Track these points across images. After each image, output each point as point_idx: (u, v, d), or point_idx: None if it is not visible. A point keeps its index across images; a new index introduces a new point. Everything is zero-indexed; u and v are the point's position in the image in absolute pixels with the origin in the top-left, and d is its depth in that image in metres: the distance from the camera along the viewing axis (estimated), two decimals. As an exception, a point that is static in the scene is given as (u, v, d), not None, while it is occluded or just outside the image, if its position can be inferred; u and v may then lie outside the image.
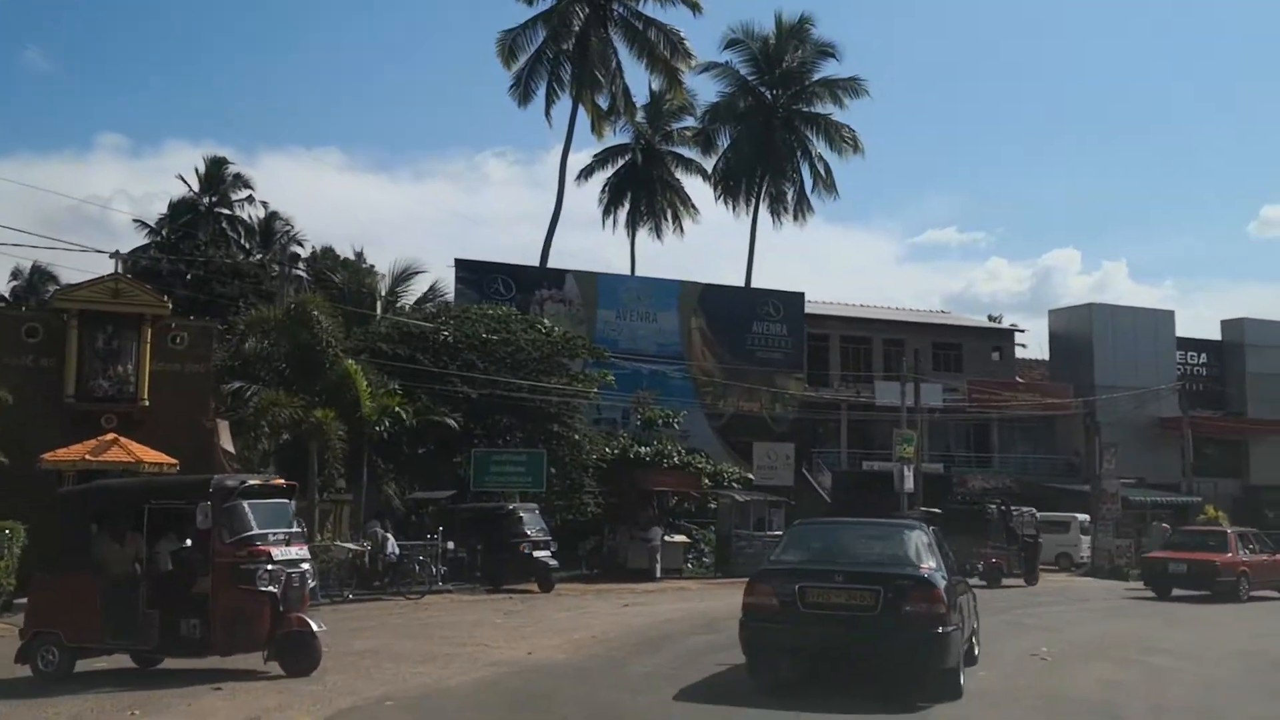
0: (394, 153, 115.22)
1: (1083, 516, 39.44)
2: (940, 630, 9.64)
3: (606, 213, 47.88)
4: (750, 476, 34.18)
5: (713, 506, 32.19)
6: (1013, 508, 30.52)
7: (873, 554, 10.62)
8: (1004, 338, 51.99)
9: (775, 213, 44.74)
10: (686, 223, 47.61)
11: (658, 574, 27.66)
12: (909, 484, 36.34)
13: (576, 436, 30.08)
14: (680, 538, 29.82)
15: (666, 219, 47.82)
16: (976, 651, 11.99)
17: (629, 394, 35.37)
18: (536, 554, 23.76)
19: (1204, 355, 51.95)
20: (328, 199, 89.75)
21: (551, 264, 40.07)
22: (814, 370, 43.71)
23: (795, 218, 45.02)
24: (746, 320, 40.49)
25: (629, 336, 37.53)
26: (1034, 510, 32.12)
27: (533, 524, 24.51)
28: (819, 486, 40.49)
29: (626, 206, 47.66)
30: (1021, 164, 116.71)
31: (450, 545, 23.87)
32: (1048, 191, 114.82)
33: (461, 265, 36.93)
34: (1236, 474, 49.64)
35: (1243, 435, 50.06)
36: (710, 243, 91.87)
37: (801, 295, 41.77)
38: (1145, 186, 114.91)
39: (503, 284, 36.61)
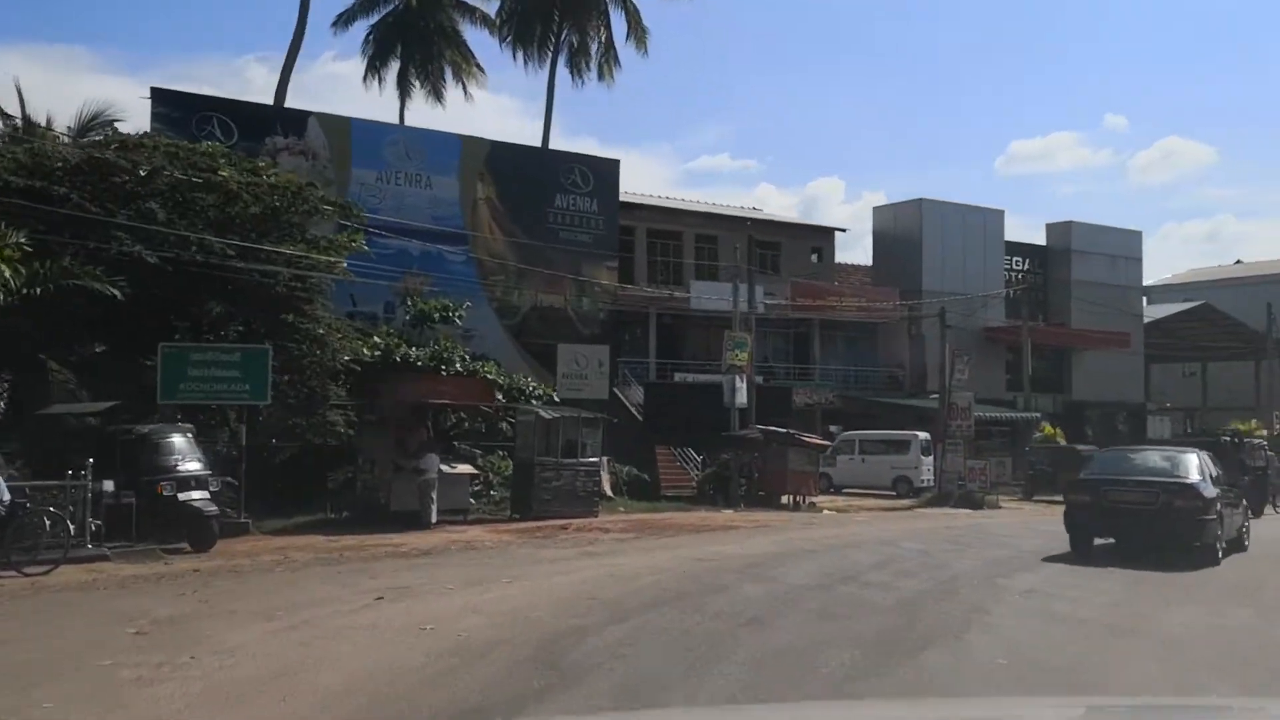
0: (148, 53, 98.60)
1: (923, 435, 34.35)
2: (1200, 519, 14.51)
3: (371, 70, 38.56)
4: (553, 391, 26.70)
5: (508, 427, 24.60)
6: (1243, 439, 30.08)
7: (1156, 469, 15.74)
8: (823, 238, 46.40)
9: (576, 68, 36.60)
10: (473, 88, 38.99)
11: (433, 518, 20.01)
12: (741, 398, 29.90)
13: (320, 330, 21.59)
14: (465, 468, 22.10)
15: (445, 79, 38.95)
16: (1246, 543, 16.86)
17: (396, 279, 27.04)
18: (185, 497, 15.75)
19: (1027, 261, 48.22)
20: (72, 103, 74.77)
21: (291, 105, 30.67)
22: (620, 266, 36.31)
23: (601, 75, 37.08)
24: (547, 191, 32.37)
25: (395, 204, 28.68)
26: (1265, 441, 31.34)
27: (182, 453, 16.43)
28: (628, 401, 33.55)
29: (397, 63, 38.47)
30: (789, 93, 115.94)
31: (109, 486, 15.46)
32: (813, 121, 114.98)
33: (161, 98, 27.03)
34: (1058, 389, 46.38)
35: (1071, 347, 46.74)
36: (500, 122, 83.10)
37: (616, 163, 34.01)
38: (903, 119, 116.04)
39: (219, 126, 26.97)
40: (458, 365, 24.69)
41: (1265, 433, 43.73)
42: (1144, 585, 12.56)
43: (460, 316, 26.19)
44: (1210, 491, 14.89)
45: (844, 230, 46.98)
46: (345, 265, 22.59)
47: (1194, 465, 15.39)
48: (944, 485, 31.42)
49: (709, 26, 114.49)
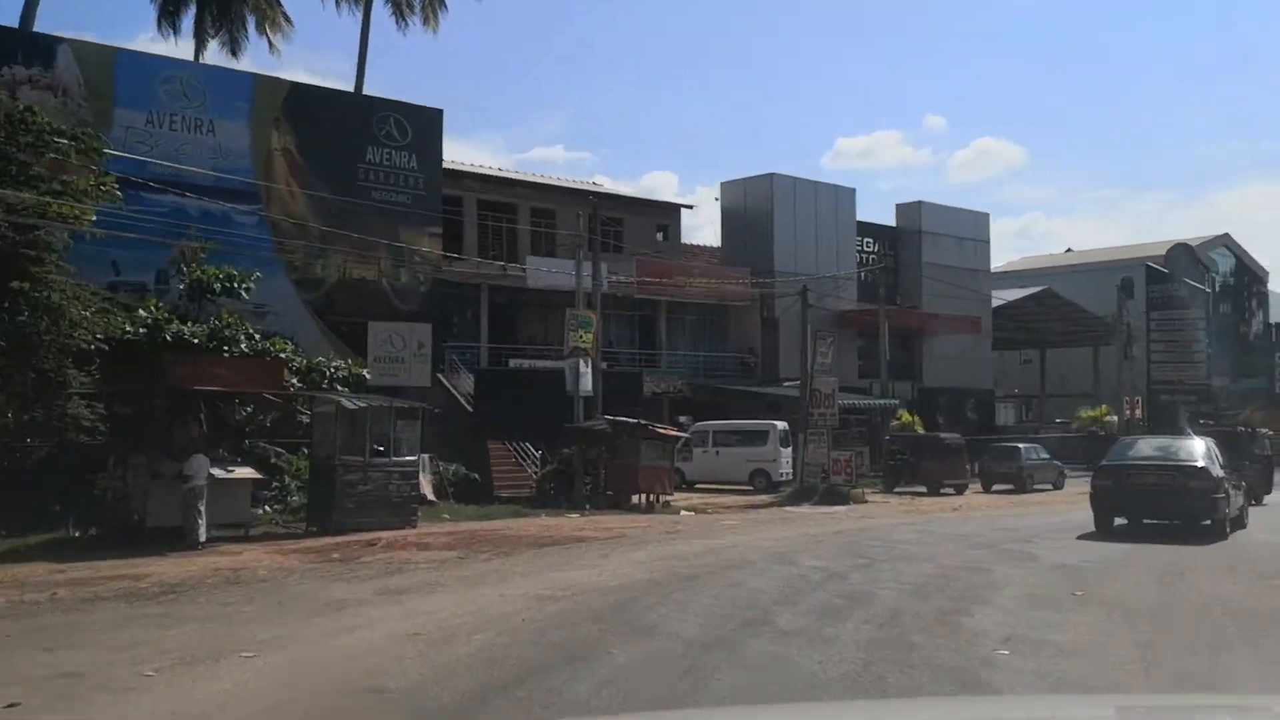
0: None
1: (781, 424, 31.62)
2: (1212, 498, 16.31)
3: (164, 18, 33.00)
4: (365, 374, 22.53)
5: (307, 419, 20.30)
6: (1255, 430, 31.32)
7: (1170, 454, 17.61)
8: (669, 216, 43.26)
9: (399, 9, 32.01)
10: (280, 41, 33.84)
11: (201, 535, 15.78)
12: (586, 384, 26.34)
13: (55, 298, 16.85)
14: (246, 471, 17.74)
15: (246, 30, 33.75)
16: (1246, 521, 18.48)
17: (170, 243, 22.31)
18: None
19: (878, 244, 46.28)
20: None
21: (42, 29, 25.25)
22: (446, 241, 32.03)
23: (425, 19, 32.58)
24: (358, 143, 27.66)
25: (169, 153, 23.51)
26: (1268, 431, 32.84)
27: None
28: (456, 391, 29.54)
29: (192, 11, 33.08)
30: (624, 85, 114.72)
31: None
32: (647, 114, 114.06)
33: None
34: (910, 375, 44.60)
35: (923, 332, 45.01)
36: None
37: (439, 113, 29.45)
38: (735, 115, 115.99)
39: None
40: (243, 345, 20.24)
41: (1115, 418, 43.13)
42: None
43: (248, 288, 21.67)
44: (1219, 474, 16.85)
45: (690, 207, 44.32)
46: (93, 219, 17.88)
47: (1203, 451, 17.45)
48: (806, 479, 28.67)
49: (541, 17, 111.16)
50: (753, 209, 42.15)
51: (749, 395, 37.63)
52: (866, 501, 27.25)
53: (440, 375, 28.76)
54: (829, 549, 13.78)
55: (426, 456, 22.17)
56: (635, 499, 23.99)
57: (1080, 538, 15.95)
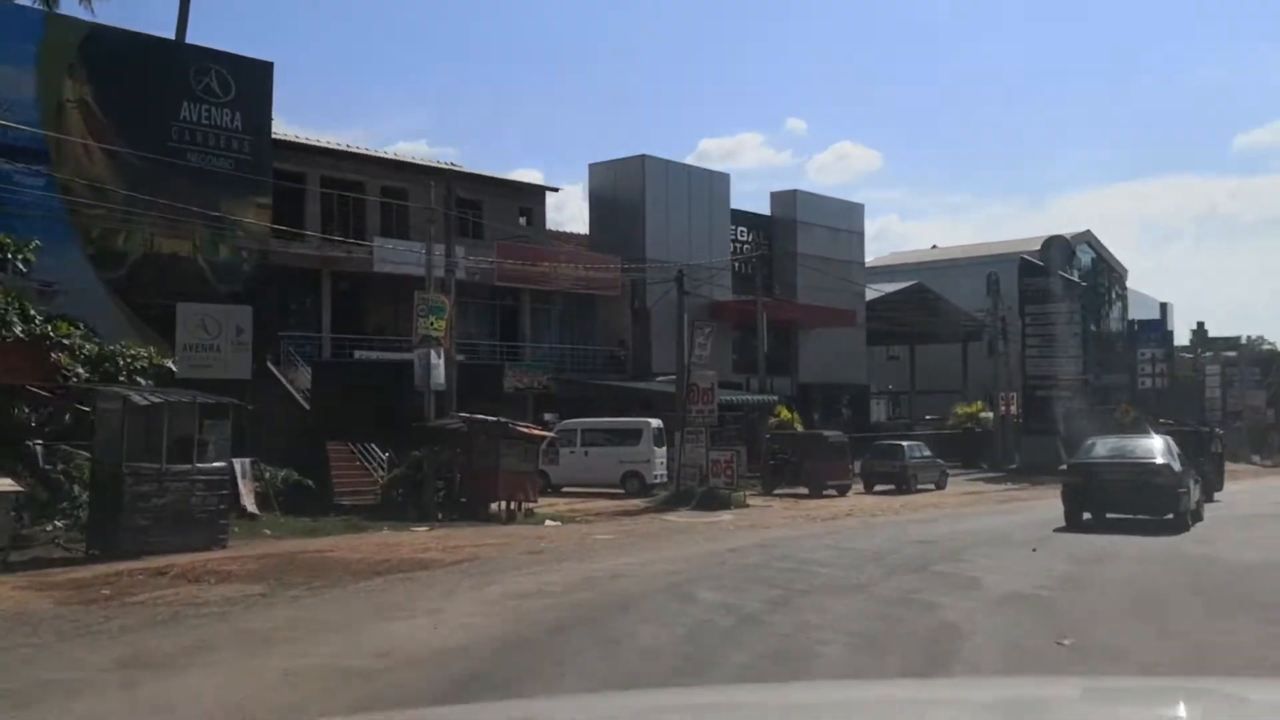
0: None
1: (656, 422, 29.22)
2: (1174, 492, 17.52)
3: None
4: (171, 364, 19.09)
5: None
6: (1214, 429, 33.98)
7: (1135, 452, 18.88)
8: (533, 199, 40.41)
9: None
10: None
11: (-65, 568, 12.33)
12: (439, 378, 23.40)
13: None
14: (6, 484, 14.27)
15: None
16: (1203, 514, 19.44)
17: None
18: None
19: (752, 233, 44.37)
20: None
21: None
22: (284, 221, 28.40)
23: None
24: (172, 98, 23.82)
25: (-72, 98, 19.53)
26: (1221, 431, 36.06)
27: None
28: (293, 387, 26.11)
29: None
30: (487, 81, 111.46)
31: None
32: (511, 111, 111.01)
33: None
34: (787, 370, 42.84)
35: (799, 325, 43.29)
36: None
37: (268, 66, 25.72)
38: (599, 114, 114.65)
39: None
40: (17, 329, 16.66)
41: (990, 414, 42.23)
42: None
43: (26, 259, 17.96)
44: (1179, 469, 18.20)
45: (556, 190, 41.46)
46: None
47: (1164, 449, 18.77)
48: (683, 481, 26.29)
49: (409, 12, 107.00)
50: (623, 193, 39.70)
51: (620, 391, 35.19)
52: (748, 505, 25.04)
53: (273, 368, 25.32)
54: (732, 576, 11.26)
55: (248, 461, 18.94)
56: (494, 507, 21.16)
57: (1007, 548, 14.46)
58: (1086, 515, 17.77)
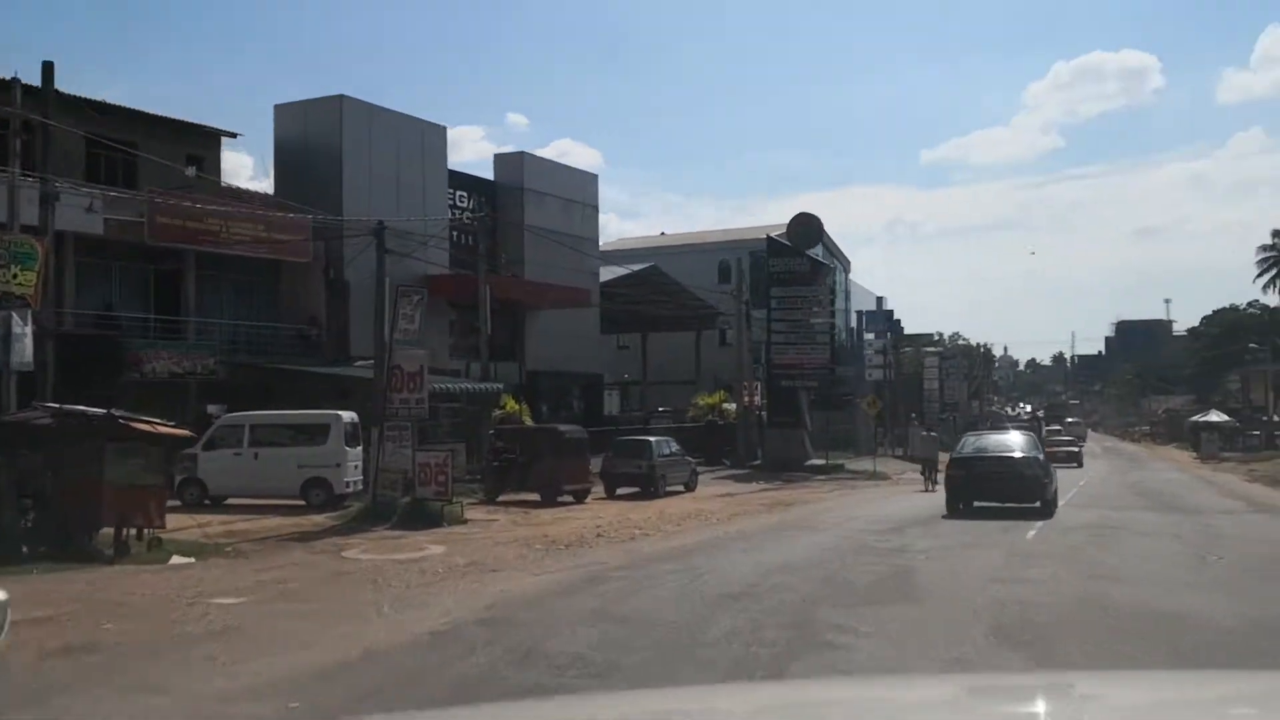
0: None
1: (348, 416, 23.24)
2: (1042, 481, 19.75)
3: None
4: None
5: None
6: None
7: (1007, 446, 21.22)
8: (205, 145, 32.90)
9: None
10: None
11: None
12: (24, 353, 16.49)
13: None
14: None
15: None
16: (1060, 502, 21.03)
17: None
18: None
19: (473, 199, 38.78)
20: None
21: None
22: None
23: None
24: None
25: None
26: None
27: None
28: None
29: None
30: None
31: None
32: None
33: None
34: (513, 356, 37.55)
35: (527, 306, 38.06)
36: None
37: None
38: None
39: None
40: None
41: (734, 405, 38.74)
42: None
43: None
44: (1044, 460, 21.08)
45: (234, 135, 34.05)
46: None
47: (1031, 443, 21.99)
48: (381, 491, 20.48)
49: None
50: (317, 141, 33.16)
51: (312, 378, 28.83)
52: (466, 521, 19.61)
53: None
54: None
55: None
56: (93, 537, 14.61)
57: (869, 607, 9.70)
58: (981, 503, 19.63)
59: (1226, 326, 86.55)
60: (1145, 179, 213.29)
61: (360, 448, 22.66)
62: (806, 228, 38.54)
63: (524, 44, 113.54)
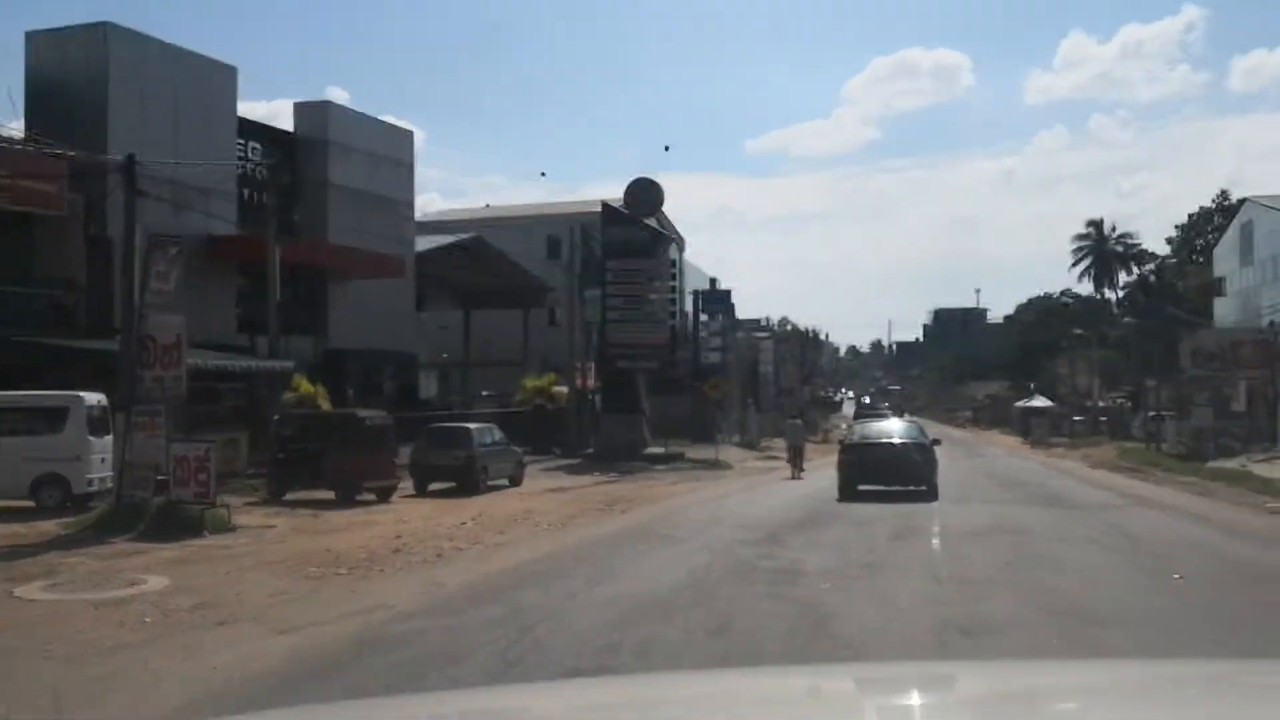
0: None
1: (94, 398, 19.11)
2: (930, 466, 20.84)
3: None
4: None
5: None
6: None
7: (895, 433, 22.55)
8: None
9: None
10: None
11: None
12: None
13: None
14: None
15: None
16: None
17: None
18: None
19: (268, 151, 34.09)
20: None
21: None
22: None
23: None
24: None
25: None
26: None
27: None
28: None
29: None
30: None
31: None
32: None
33: None
34: (312, 330, 33.19)
35: (330, 273, 33.72)
36: None
37: None
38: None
39: None
40: None
41: (565, 389, 35.52)
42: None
43: None
44: (930, 446, 21.85)
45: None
46: None
47: (918, 430, 23.46)
48: (128, 490, 16.41)
49: None
50: (77, 76, 28.08)
51: (65, 353, 24.10)
52: (234, 529, 15.77)
53: None
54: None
55: None
56: None
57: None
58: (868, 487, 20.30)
59: (1040, 314, 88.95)
60: (958, 172, 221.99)
61: (110, 437, 18.48)
62: (647, 193, 35.52)
63: (346, 14, 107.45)
